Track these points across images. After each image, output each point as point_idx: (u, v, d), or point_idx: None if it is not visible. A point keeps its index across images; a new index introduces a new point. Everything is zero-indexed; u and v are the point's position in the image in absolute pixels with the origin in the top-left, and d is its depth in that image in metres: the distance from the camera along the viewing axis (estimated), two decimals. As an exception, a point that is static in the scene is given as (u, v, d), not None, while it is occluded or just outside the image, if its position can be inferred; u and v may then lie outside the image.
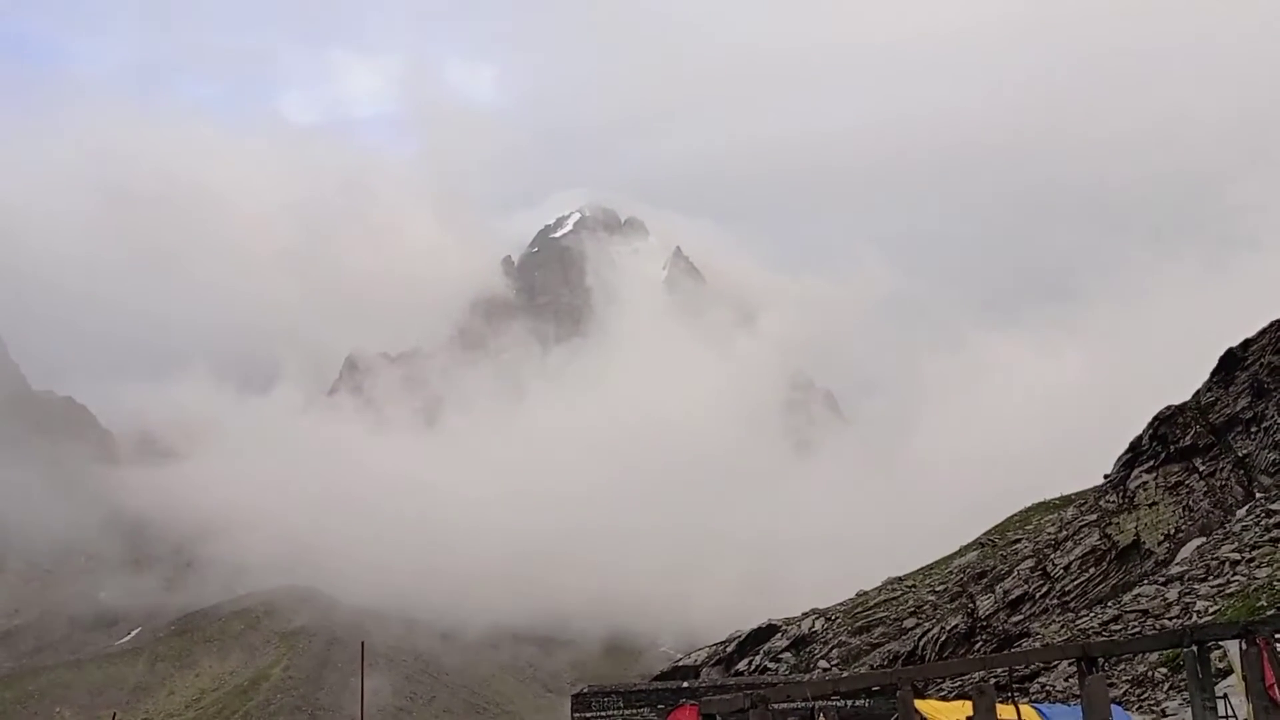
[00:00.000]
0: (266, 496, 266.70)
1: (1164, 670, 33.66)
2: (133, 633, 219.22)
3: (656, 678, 64.63)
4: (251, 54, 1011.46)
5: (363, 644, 54.08)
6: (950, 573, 61.47)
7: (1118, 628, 39.70)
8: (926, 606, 57.03)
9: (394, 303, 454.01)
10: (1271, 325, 50.88)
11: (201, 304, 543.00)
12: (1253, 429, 47.96)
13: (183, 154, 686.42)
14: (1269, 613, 30.97)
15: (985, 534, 67.96)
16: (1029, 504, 69.46)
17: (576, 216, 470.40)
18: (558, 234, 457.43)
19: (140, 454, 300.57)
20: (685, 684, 43.18)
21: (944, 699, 32.50)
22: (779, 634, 62.25)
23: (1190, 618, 36.58)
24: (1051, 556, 51.70)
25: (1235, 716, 23.52)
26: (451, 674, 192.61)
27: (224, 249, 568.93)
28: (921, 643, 52.41)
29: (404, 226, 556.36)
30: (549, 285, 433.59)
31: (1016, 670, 37.42)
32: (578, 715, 37.88)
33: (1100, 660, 23.71)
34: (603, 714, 37.10)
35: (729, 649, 64.60)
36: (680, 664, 69.91)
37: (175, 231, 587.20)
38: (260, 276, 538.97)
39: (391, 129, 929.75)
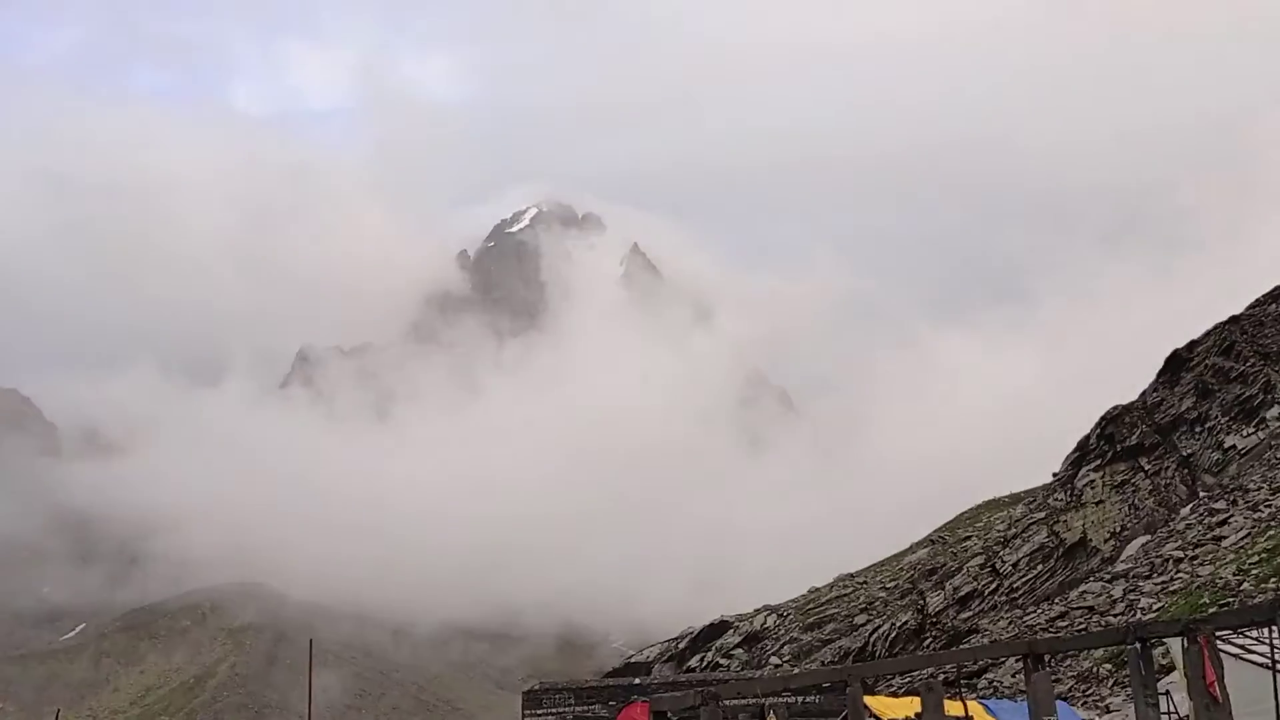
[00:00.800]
0: (215, 491, 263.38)
1: (1108, 666, 34.11)
2: (78, 629, 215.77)
3: (608, 674, 64.63)
4: (204, 43, 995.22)
5: (310, 641, 53.52)
6: (901, 569, 62.03)
7: (1064, 624, 40.21)
8: (877, 603, 57.51)
9: (347, 296, 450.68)
10: (1216, 328, 51.79)
11: (150, 296, 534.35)
12: (1197, 429, 48.78)
13: (132, 143, 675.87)
14: (1211, 610, 31.46)
15: (936, 531, 68.65)
16: (979, 502, 70.26)
17: (533, 211, 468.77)
18: (514, 228, 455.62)
19: (86, 448, 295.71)
20: (637, 681, 43.12)
21: (894, 695, 32.71)
22: (731, 630, 62.50)
23: (1135, 614, 37.10)
24: (1000, 554, 52.30)
25: (1177, 713, 23.87)
26: (402, 671, 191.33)
27: (173, 241, 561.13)
28: (872, 639, 52.81)
29: (358, 220, 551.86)
30: (504, 280, 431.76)
31: (965, 666, 37.79)
32: (528, 712, 37.69)
33: (1046, 657, 23.92)
34: (554, 711, 36.95)
35: (681, 645, 64.75)
36: (632, 660, 70.00)
37: (123, 222, 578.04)
38: (210, 269, 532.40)
39: (346, 121, 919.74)
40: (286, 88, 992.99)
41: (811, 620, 59.18)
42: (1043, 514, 52.67)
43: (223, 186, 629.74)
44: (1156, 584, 39.31)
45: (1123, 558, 44.90)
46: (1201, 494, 45.91)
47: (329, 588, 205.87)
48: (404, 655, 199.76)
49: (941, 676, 34.32)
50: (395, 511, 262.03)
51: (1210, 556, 39.22)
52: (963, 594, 51.62)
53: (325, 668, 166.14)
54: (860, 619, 56.21)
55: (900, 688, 38.70)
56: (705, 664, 59.02)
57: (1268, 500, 40.70)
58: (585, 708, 36.48)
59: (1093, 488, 50.31)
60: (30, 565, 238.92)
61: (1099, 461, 51.18)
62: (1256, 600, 30.97)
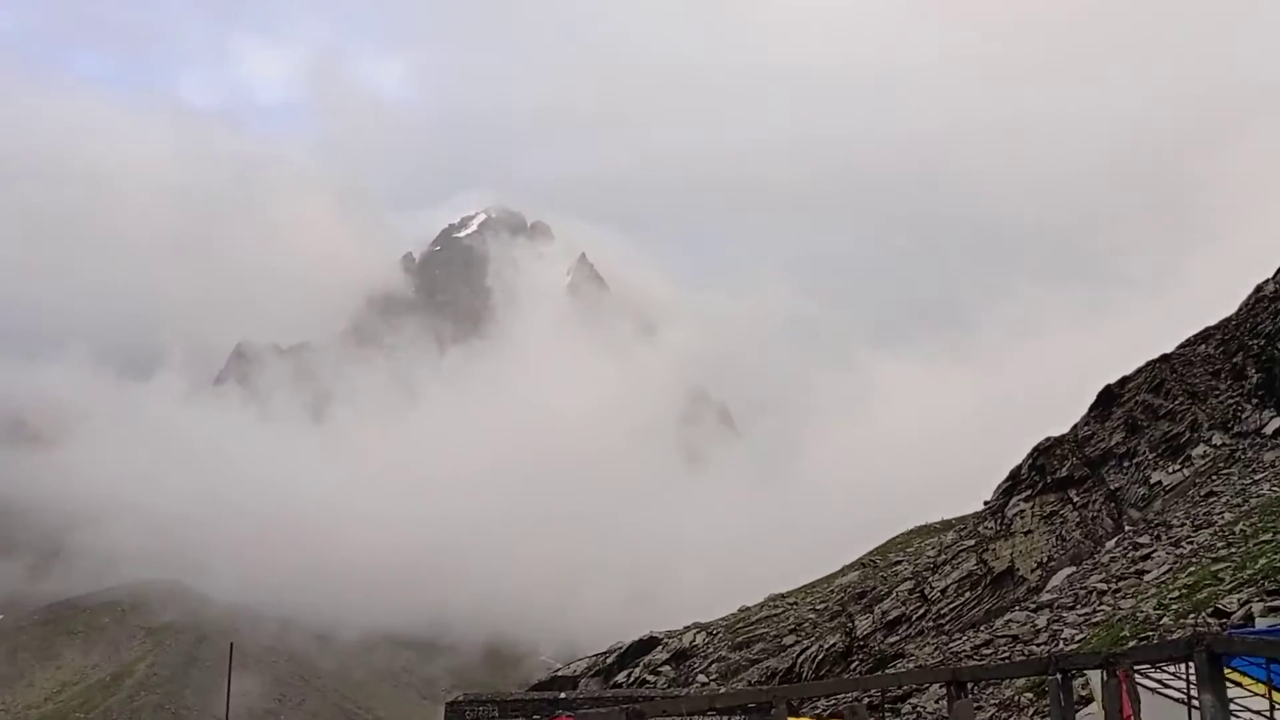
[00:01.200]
0: (142, 486, 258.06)
1: (1030, 695, 34.46)
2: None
3: (534, 687, 64.16)
4: (153, 31, 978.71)
5: (231, 644, 52.50)
6: (831, 591, 62.30)
7: (989, 652, 40.58)
8: (806, 624, 57.66)
9: (287, 294, 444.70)
10: (1147, 365, 52.80)
11: (83, 284, 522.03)
12: (1125, 464, 49.61)
13: (73, 127, 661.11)
14: (1131, 644, 31.91)
15: (867, 554, 69.09)
16: (911, 526, 70.82)
17: (482, 217, 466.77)
18: (461, 233, 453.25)
19: (9, 437, 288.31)
20: (562, 695, 42.86)
21: (818, 717, 32.74)
22: (660, 646, 62.33)
23: (1057, 645, 37.56)
24: (930, 579, 52.72)
25: (1095, 744, 24.12)
26: (324, 677, 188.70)
27: (110, 229, 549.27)
28: (800, 660, 52.93)
29: (302, 217, 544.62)
30: (449, 285, 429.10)
31: (889, 691, 37.99)
32: (451, 723, 37.24)
33: (969, 684, 24.08)
34: (476, 723, 36.56)
35: (609, 660, 64.46)
36: (559, 674, 69.58)
37: (60, 207, 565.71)
38: (148, 260, 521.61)
39: (294, 117, 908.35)
40: (235, 80, 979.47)
41: (740, 639, 59.19)
42: (972, 541, 53.22)
43: (165, 176, 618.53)
44: (1080, 615, 39.83)
45: (1048, 588, 45.48)
46: (1127, 528, 46.68)
47: (254, 590, 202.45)
48: (327, 661, 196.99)
49: (866, 700, 34.45)
50: (325, 515, 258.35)
51: (1133, 590, 39.84)
52: (891, 618, 51.95)
53: (246, 671, 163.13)
54: (789, 640, 56.32)
55: (825, 710, 38.77)
56: (632, 680, 58.76)
57: (1189, 537, 41.46)
58: (508, 720, 36.15)
59: (1022, 517, 50.94)
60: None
61: (1029, 492, 51.85)
62: (1175, 635, 31.46)
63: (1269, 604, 30.63)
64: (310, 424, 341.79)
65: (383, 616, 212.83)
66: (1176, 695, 19.73)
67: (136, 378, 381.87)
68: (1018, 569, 49.57)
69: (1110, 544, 45.83)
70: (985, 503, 56.28)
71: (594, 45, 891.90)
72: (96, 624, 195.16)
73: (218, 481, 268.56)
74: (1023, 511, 51.41)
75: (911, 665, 44.19)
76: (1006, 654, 39.31)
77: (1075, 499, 49.95)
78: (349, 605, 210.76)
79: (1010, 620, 42.91)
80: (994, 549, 51.15)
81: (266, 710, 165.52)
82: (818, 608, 59.56)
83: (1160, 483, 47.86)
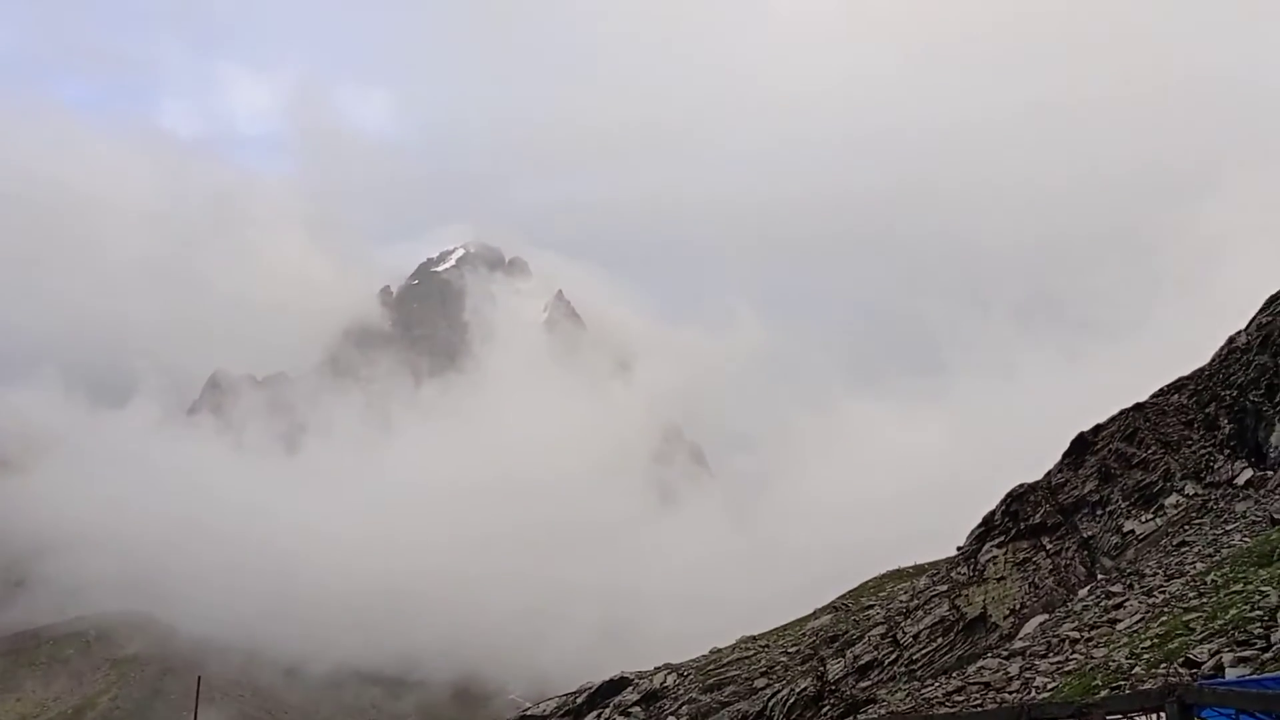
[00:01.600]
0: (110, 515, 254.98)
1: (1001, 744, 34.28)
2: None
3: (503, 726, 63.44)
4: (134, 58, 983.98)
5: (199, 677, 51.82)
6: (804, 634, 61.97)
7: (961, 699, 40.40)
8: (778, 667, 57.30)
9: (264, 325, 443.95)
10: (1121, 413, 53.15)
11: (57, 310, 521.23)
12: (1098, 512, 49.76)
13: (50, 154, 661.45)
14: (1103, 693, 31.88)
15: (840, 598, 68.86)
16: (884, 570, 70.71)
17: (460, 252, 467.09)
18: (439, 268, 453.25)
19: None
20: (531, 735, 42.41)
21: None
22: (631, 687, 61.80)
23: (1030, 693, 37.44)
24: (902, 624, 52.54)
25: (1067, 794, 23.99)
26: (291, 713, 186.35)
27: (86, 254, 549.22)
28: (770, 704, 52.53)
29: (279, 248, 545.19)
30: (426, 318, 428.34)
31: (861, 737, 37.75)
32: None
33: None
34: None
35: (579, 700, 63.86)
36: (528, 713, 68.83)
37: (35, 232, 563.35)
38: (123, 287, 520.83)
39: (274, 148, 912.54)
40: (218, 109, 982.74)
41: (711, 681, 58.74)
42: (945, 587, 53.14)
43: (145, 202, 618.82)
44: (1052, 663, 39.75)
45: (1021, 635, 45.40)
46: (1100, 576, 46.75)
47: (221, 622, 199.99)
48: (295, 696, 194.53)
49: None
50: (297, 546, 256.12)
51: (1105, 639, 39.83)
52: (863, 663, 51.70)
53: (212, 705, 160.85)
54: (760, 682, 55.93)
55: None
56: (602, 720, 58.22)
57: (1162, 586, 41.54)
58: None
59: (995, 563, 50.93)
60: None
61: (1003, 538, 51.87)
62: (1147, 685, 31.46)
63: (1239, 654, 30.68)
64: (284, 455, 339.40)
65: (351, 651, 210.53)
66: (1148, 747, 19.71)
67: (109, 404, 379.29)
68: (990, 615, 49.50)
69: (1083, 592, 45.86)
70: (958, 548, 56.26)
71: (573, 82, 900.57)
72: (60, 655, 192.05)
73: (189, 511, 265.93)
74: (996, 558, 51.42)
75: (883, 710, 43.94)
76: (979, 701, 39.17)
77: (1048, 546, 50.02)
78: (318, 639, 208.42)
79: (983, 667, 42.78)
80: (967, 595, 51.09)
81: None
82: (789, 650, 59.23)
83: (1133, 531, 48.00)
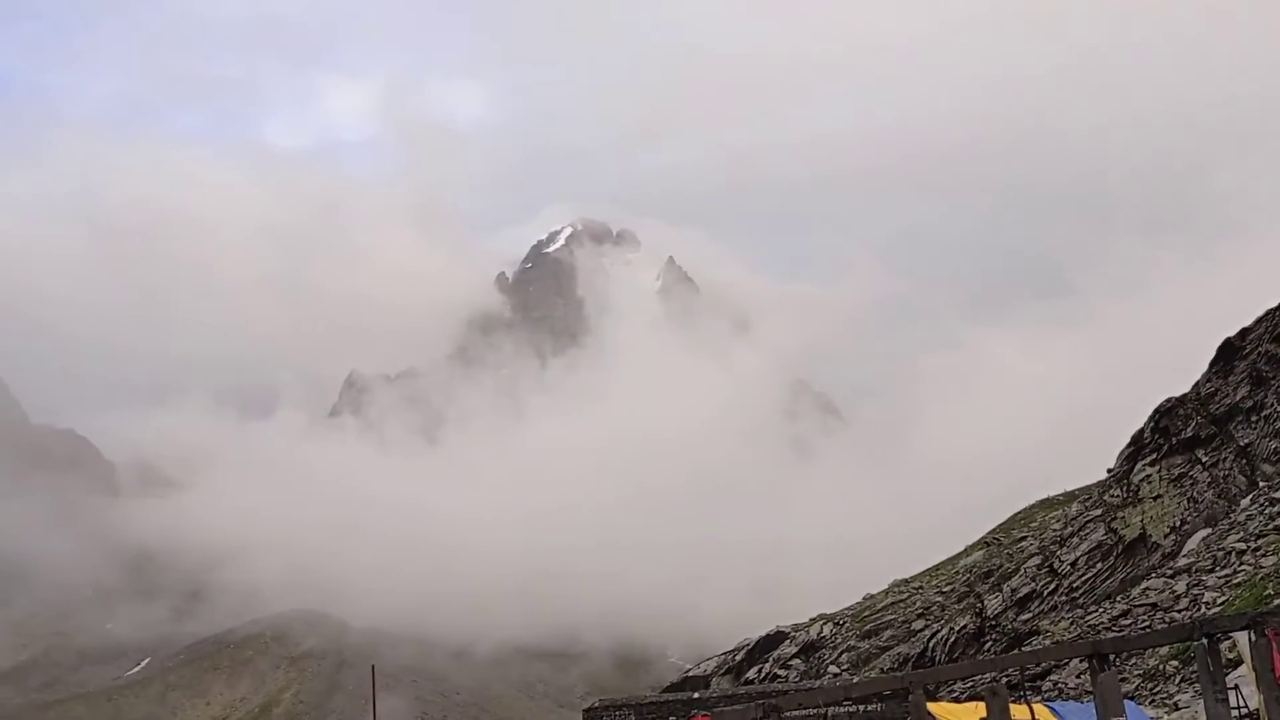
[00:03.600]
0: (273, 522, 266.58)
1: (1175, 664, 33.66)
2: (142, 663, 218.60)
3: (667, 689, 64.56)
4: (236, 81, 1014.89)
5: (373, 666, 54.04)
6: (956, 573, 61.43)
7: (1127, 622, 39.69)
8: (934, 608, 56.98)
9: (389, 324, 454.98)
10: (1267, 314, 50.99)
11: (195, 331, 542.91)
12: (1253, 418, 47.98)
13: (170, 184, 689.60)
14: (1276, 602, 31.01)
15: (990, 533, 67.96)
16: (1033, 501, 69.44)
17: (569, 230, 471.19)
18: (550, 248, 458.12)
19: (143, 484, 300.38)
20: (696, 695, 43.09)
21: (956, 700, 32.46)
22: (787, 641, 62.17)
23: (1199, 610, 36.58)
24: (1058, 553, 51.68)
25: (1246, 707, 23.52)
26: (463, 693, 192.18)
27: (214, 277, 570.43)
28: (931, 644, 52.35)
29: (394, 247, 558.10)
30: (544, 299, 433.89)
31: (1028, 669, 37.42)
32: (590, 730, 37.79)
33: (1111, 656, 23.70)
34: (615, 728, 37.02)
35: (738, 657, 64.53)
36: (690, 674, 69.83)
37: (166, 261, 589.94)
38: (252, 302, 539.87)
39: (378, 151, 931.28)
40: (318, 120, 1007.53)
41: (868, 628, 58.76)
42: (1099, 511, 52.03)
43: (260, 220, 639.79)
44: (1220, 578, 38.74)
45: (1184, 552, 44.28)
46: (1261, 484, 45.21)
47: (389, 613, 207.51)
48: (465, 677, 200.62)
49: (1005, 680, 34.03)
50: (449, 535, 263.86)
51: (1273, 547, 38.62)
52: (1021, 595, 51.05)
53: (388, 691, 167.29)
54: (918, 624, 55.72)
55: (962, 693, 38.39)
56: (763, 675, 58.75)
57: (1330, 487, 40.06)
58: (646, 724, 36.52)
59: (1149, 482, 49.61)
60: (93, 603, 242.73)
61: (1154, 455, 50.45)
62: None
63: None
64: (426, 447, 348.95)
65: (515, 630, 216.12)
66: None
67: (257, 416, 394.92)
68: (1150, 535, 48.31)
69: (1245, 502, 44.44)
70: (1109, 470, 54.96)
71: (657, 53, 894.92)
72: (241, 657, 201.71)
73: (345, 510, 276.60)
74: (1149, 476, 50.07)
75: (1048, 642, 43.41)
76: (1146, 623, 38.42)
77: (1204, 459, 48.49)
78: (481, 621, 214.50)
79: (1148, 588, 41.90)
80: (1123, 517, 49.95)
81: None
82: (944, 590, 58.82)
83: (1293, 434, 46.25)
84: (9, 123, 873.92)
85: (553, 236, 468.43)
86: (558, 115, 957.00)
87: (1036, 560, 52.78)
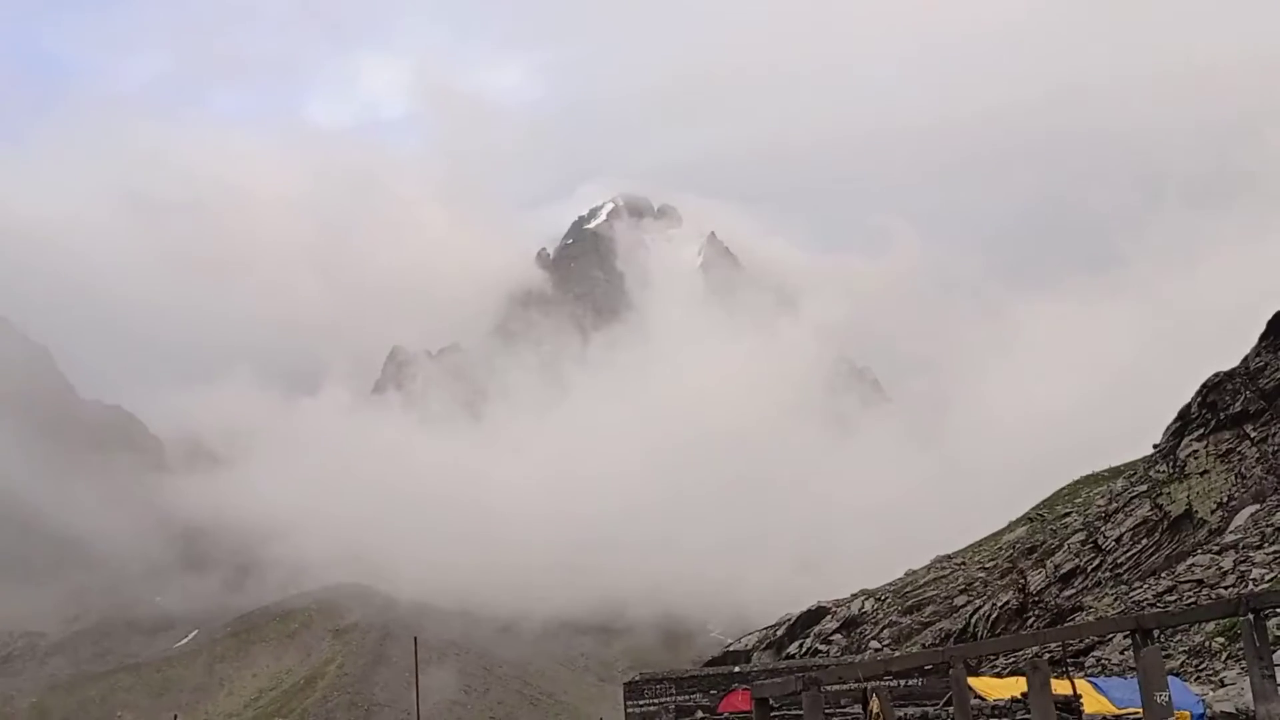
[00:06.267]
0: (320, 496, 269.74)
1: (1221, 640, 33.31)
2: (190, 635, 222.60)
3: (708, 663, 64.77)
4: (277, 62, 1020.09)
5: (415, 639, 54.70)
6: (999, 549, 61.08)
7: (1172, 599, 39.30)
8: (976, 583, 56.72)
9: (433, 299, 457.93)
10: (1320, 286, 49.96)
11: (240, 310, 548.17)
12: (1305, 393, 47.18)
13: (215, 163, 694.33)
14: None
15: (1034, 508, 67.44)
16: (1077, 476, 68.77)
17: (609, 206, 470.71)
18: (591, 224, 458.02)
19: (191, 460, 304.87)
20: (737, 669, 43.24)
21: (997, 676, 32.34)
22: (829, 616, 62.19)
23: (1246, 586, 36.14)
24: (1102, 529, 51.22)
25: (1295, 684, 23.20)
26: (506, 666, 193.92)
27: (257, 255, 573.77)
28: (973, 620, 52.16)
29: (436, 224, 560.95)
30: (585, 275, 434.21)
31: (1070, 645, 37.16)
32: (630, 703, 38.08)
33: (1155, 632, 23.46)
34: (655, 701, 37.28)
35: (779, 632, 64.67)
36: (731, 649, 70.07)
37: (211, 240, 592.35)
38: (295, 280, 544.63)
39: (418, 128, 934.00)
40: (359, 99, 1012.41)
41: (910, 603, 58.62)
42: (1144, 487, 51.46)
43: (303, 199, 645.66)
44: (1268, 554, 38.24)
45: (1231, 528, 43.72)
46: (1312, 459, 44.49)
47: (436, 587, 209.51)
48: (510, 652, 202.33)
49: (1047, 656, 33.83)
50: (496, 510, 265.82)
51: (1324, 523, 38.05)
52: (1065, 571, 50.70)
53: (432, 665, 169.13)
54: (960, 600, 55.52)
55: (1004, 668, 38.23)
56: (804, 650, 58.83)
57: (1383, 463, 39.31)
58: (686, 696, 36.74)
59: (1196, 458, 48.96)
60: (143, 577, 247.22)
61: (1202, 431, 49.76)
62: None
63: None
64: (470, 422, 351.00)
65: (560, 605, 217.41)
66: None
67: (301, 393, 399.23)
68: (1196, 511, 47.73)
69: (1295, 478, 43.77)
70: (1155, 446, 54.30)
71: (695, 24, 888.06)
72: (286, 630, 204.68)
73: (391, 485, 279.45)
74: (1196, 452, 49.41)
75: (1091, 618, 43.07)
76: (1192, 599, 38.04)
77: (1253, 434, 47.75)
78: (529, 596, 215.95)
79: (1193, 564, 41.44)
80: (1169, 492, 49.38)
81: (454, 702, 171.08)
82: (986, 566, 58.52)
83: (1345, 409, 45.43)
84: (54, 103, 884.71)
85: (594, 212, 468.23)
86: (597, 91, 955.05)
87: (1080, 536, 52.35)
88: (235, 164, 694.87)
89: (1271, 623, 23.05)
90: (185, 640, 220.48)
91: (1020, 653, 38.00)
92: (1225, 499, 47.05)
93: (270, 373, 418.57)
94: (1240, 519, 43.95)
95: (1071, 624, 42.52)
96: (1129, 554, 48.71)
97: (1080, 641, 38.16)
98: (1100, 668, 36.24)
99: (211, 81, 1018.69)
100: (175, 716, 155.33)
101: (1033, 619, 49.34)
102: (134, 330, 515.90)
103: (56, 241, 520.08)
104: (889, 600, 60.81)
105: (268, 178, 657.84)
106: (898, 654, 48.12)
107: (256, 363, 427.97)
